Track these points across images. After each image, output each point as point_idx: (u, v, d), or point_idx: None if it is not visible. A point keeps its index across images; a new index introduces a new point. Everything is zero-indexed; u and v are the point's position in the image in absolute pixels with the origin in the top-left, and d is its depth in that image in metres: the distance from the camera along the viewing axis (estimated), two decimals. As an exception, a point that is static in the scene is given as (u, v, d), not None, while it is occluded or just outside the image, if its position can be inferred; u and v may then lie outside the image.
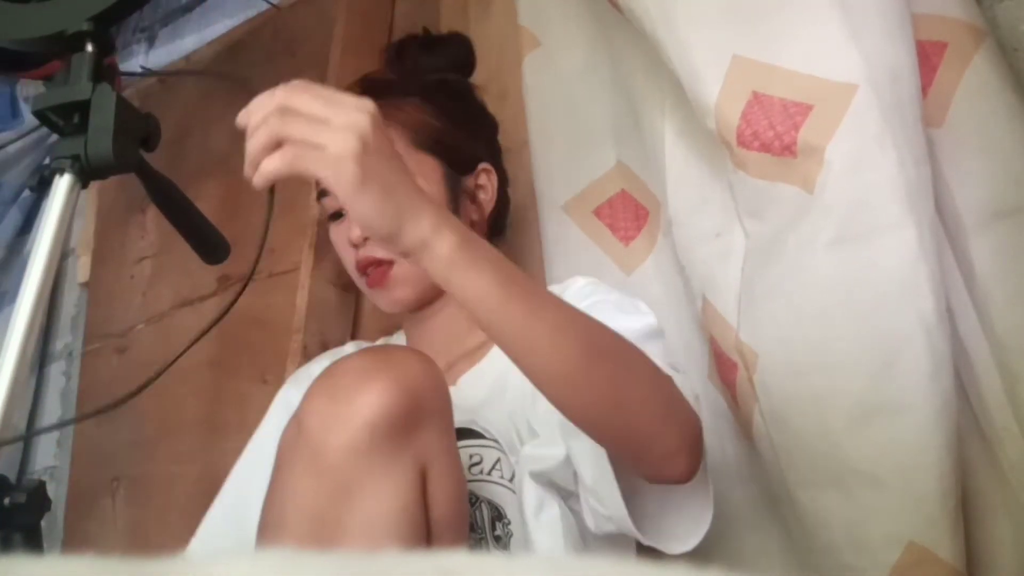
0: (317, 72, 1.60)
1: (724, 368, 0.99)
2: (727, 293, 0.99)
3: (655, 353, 0.77)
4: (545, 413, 0.81)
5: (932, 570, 0.83)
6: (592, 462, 0.79)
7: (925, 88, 0.93)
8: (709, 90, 0.93)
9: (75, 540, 1.68)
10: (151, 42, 2.02)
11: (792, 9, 0.91)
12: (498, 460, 0.90)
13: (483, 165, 1.09)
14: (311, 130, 0.63)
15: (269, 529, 0.72)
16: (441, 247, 0.64)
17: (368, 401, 0.68)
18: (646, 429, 0.73)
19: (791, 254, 0.90)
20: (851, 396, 0.86)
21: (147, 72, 1.93)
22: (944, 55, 0.93)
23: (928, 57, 0.93)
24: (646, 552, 0.89)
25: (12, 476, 0.59)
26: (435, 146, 1.02)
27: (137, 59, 2.00)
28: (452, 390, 0.95)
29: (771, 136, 0.89)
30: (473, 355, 1.00)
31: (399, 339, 1.08)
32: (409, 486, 0.70)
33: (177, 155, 0.75)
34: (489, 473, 0.89)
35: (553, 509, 0.84)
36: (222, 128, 1.77)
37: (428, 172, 1.00)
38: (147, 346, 1.75)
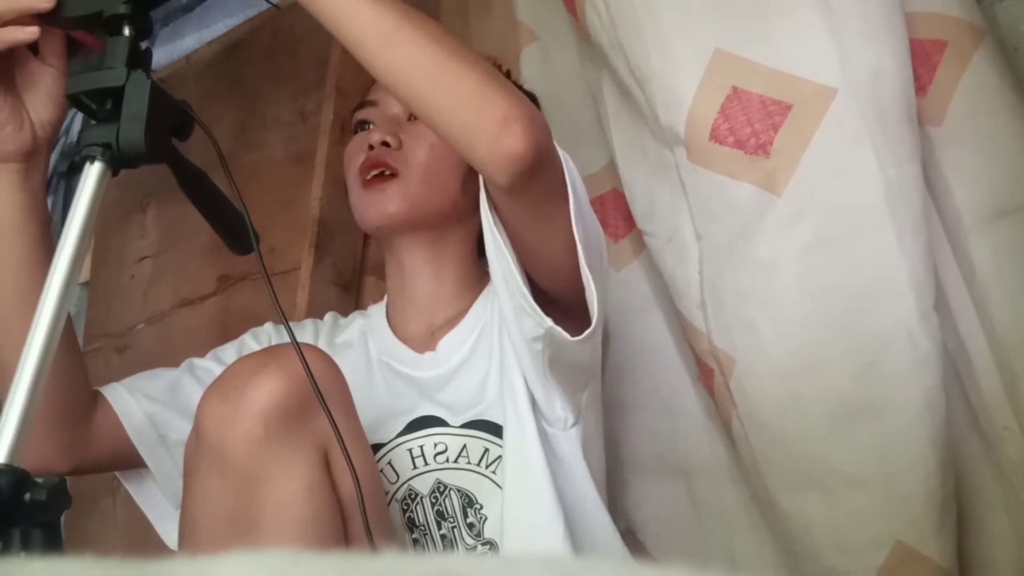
0: (317, 72, 1.60)
1: (703, 373, 0.99)
2: (688, 298, 0.98)
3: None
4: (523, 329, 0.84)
5: (919, 569, 0.83)
6: (503, 273, 0.82)
7: (925, 87, 0.93)
8: (686, 82, 0.92)
9: (75, 540, 1.68)
10: (151, 42, 2.02)
11: (776, 9, 0.91)
12: (464, 447, 0.91)
13: None
14: None
15: (187, 537, 0.75)
16: None
17: (258, 394, 0.71)
18: (474, 92, 0.73)
19: (764, 258, 0.90)
20: (833, 398, 0.86)
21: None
22: (944, 54, 0.93)
23: (928, 55, 0.93)
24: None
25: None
26: None
27: (137, 59, 2.00)
28: (431, 356, 0.98)
29: (748, 133, 0.89)
30: (454, 320, 1.00)
31: (380, 308, 1.08)
32: (312, 468, 0.73)
33: (187, 148, 0.75)
34: (456, 460, 0.90)
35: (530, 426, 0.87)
36: (222, 128, 1.77)
37: None
38: (147, 346, 1.75)
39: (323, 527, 0.73)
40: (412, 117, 1.01)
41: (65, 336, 0.84)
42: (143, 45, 0.73)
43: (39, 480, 0.57)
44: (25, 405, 0.59)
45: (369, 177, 0.98)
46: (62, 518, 0.59)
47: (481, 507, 0.90)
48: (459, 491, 0.90)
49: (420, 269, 1.02)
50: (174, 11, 2.00)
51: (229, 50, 1.86)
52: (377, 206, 0.98)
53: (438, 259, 1.01)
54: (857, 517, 0.86)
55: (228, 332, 1.57)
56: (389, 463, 0.92)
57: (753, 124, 0.89)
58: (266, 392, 0.71)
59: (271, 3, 1.79)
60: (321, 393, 0.72)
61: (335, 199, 1.47)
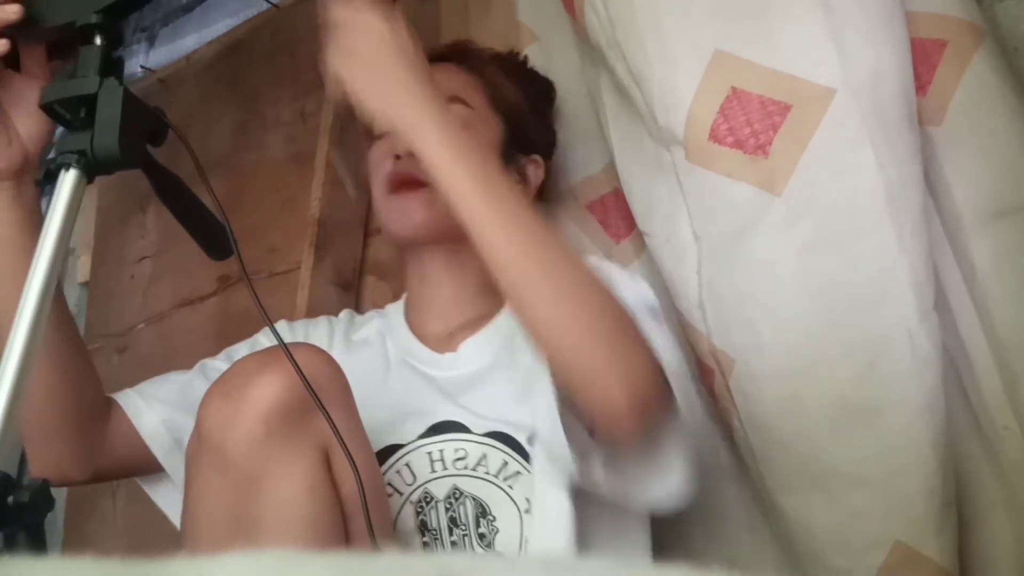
0: (317, 72, 1.60)
1: (703, 373, 0.99)
2: (687, 298, 0.98)
3: (650, 330, 0.80)
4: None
5: (919, 569, 0.83)
6: (547, 410, 0.80)
7: (925, 86, 0.93)
8: (685, 82, 0.92)
9: (75, 540, 1.68)
10: (151, 42, 2.02)
11: (776, 9, 0.91)
12: (484, 456, 0.90)
13: (537, 157, 1.10)
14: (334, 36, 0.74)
15: (189, 536, 0.75)
16: (433, 140, 0.74)
17: (259, 393, 0.71)
18: (590, 353, 0.73)
19: (763, 258, 0.89)
20: (833, 398, 0.86)
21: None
22: (944, 54, 0.93)
23: (928, 55, 0.93)
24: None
25: (12, 475, 0.59)
26: (507, 114, 1.05)
27: (137, 59, 2.00)
28: (451, 356, 0.97)
29: (747, 133, 0.89)
30: (476, 323, 1.00)
31: (398, 308, 1.07)
32: (313, 468, 0.72)
33: (177, 155, 0.75)
34: (474, 469, 0.89)
35: (560, 496, 0.82)
36: (222, 128, 1.77)
37: (491, 130, 1.03)
38: (147, 346, 1.75)
39: (324, 527, 0.72)
40: None
41: (74, 344, 0.85)
42: (116, 54, 0.73)
43: (22, 482, 0.57)
44: (6, 410, 0.59)
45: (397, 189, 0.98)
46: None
47: (494, 519, 0.89)
48: (474, 499, 0.89)
49: (441, 275, 1.01)
50: (174, 11, 2.00)
51: (229, 50, 1.86)
52: (405, 216, 0.97)
53: (460, 265, 1.01)
54: (857, 517, 0.86)
55: (228, 332, 1.57)
56: (407, 464, 0.91)
57: (752, 124, 0.89)
58: (267, 392, 0.71)
59: (271, 3, 1.79)
60: (320, 393, 0.72)
61: (335, 199, 1.47)
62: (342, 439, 0.71)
